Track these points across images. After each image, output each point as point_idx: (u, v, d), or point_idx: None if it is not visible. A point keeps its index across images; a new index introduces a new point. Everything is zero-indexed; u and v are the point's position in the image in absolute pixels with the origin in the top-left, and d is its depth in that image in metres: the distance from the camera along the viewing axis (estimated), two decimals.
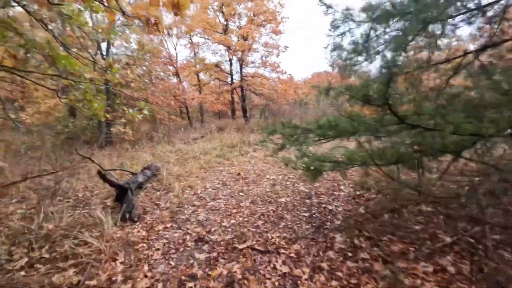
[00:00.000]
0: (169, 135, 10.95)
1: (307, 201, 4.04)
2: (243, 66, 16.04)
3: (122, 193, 3.69)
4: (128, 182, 4.02)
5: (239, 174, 5.83)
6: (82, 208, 3.78)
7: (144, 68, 12.01)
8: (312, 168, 3.18)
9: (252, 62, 15.77)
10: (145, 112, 4.27)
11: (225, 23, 15.78)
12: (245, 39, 14.73)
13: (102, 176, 3.55)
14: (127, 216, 3.39)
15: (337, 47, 3.56)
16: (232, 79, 16.79)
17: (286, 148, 3.92)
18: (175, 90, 16.15)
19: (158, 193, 4.53)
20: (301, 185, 4.87)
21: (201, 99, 15.89)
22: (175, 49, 22.46)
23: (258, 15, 14.50)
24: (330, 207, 3.79)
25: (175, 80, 17.88)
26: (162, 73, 15.16)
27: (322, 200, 4.04)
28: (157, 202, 4.13)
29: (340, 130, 3.26)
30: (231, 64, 16.29)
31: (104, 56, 8.87)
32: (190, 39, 17.92)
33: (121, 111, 4.90)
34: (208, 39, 16.05)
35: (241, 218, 3.49)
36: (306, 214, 3.56)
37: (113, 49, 12.36)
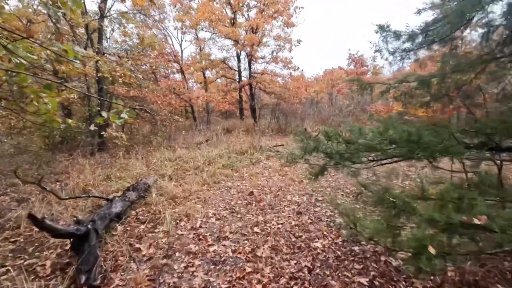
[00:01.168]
0: (169, 138, 9.75)
1: (356, 248, 2.73)
2: (252, 62, 14.73)
3: (79, 241, 2.45)
4: (94, 218, 2.77)
5: (251, 193, 4.56)
6: (25, 258, 2.58)
7: (144, 64, 10.86)
8: None
9: (262, 58, 14.46)
10: (124, 116, 3.02)
11: (233, 16, 14.51)
12: (255, 31, 13.42)
13: (37, 222, 2.26)
14: (82, 280, 2.15)
15: None
16: (240, 76, 15.52)
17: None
18: (179, 88, 15.04)
19: (142, 227, 3.29)
20: (337, 216, 3.57)
21: (207, 97, 14.65)
22: (180, 45, 21.19)
23: (268, 6, 13.16)
24: (395, 262, 2.48)
25: (179, 77, 16.78)
26: (163, 70, 14.00)
27: (378, 248, 2.72)
28: (137, 245, 2.89)
29: (424, 146, 1.95)
30: (239, 60, 15.02)
31: (96, 49, 7.71)
32: (196, 34, 16.73)
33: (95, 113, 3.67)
34: (214, 33, 14.81)
35: (260, 286, 2.21)
36: (363, 280, 2.25)
37: (109, 44, 11.27)
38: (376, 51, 3.79)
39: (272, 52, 14.13)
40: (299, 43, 13.92)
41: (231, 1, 13.71)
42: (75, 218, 2.76)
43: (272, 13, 13.09)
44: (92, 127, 2.94)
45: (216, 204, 4.10)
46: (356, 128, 2.33)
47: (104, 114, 3.00)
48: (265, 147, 8.23)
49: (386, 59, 3.70)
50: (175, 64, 16.13)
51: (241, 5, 13.82)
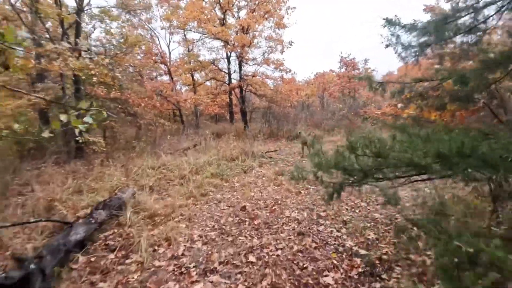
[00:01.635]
0: (154, 144, 9.07)
1: (378, 286, 2.19)
2: (242, 64, 14.22)
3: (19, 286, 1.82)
4: (42, 253, 2.14)
5: (244, 208, 3.99)
6: None
7: (130, 65, 10.19)
8: None
9: (253, 59, 13.98)
10: (88, 120, 2.41)
11: (222, 16, 14.00)
12: (246, 32, 12.94)
13: None
14: None
15: None
16: (230, 78, 14.97)
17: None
18: (166, 91, 14.40)
19: (110, 256, 2.67)
20: (346, 237, 3.04)
21: (196, 100, 14.01)
22: (168, 46, 20.40)
23: (259, 5, 12.71)
24: None
25: (167, 79, 16.10)
26: (149, 71, 13.35)
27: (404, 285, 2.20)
28: (100, 284, 2.27)
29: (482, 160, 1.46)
30: (229, 61, 14.48)
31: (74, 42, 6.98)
32: (184, 35, 16.13)
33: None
34: (203, 34, 14.25)
35: None
36: None
37: (92, 43, 10.54)
38: (387, 45, 3.33)
39: (264, 53, 13.68)
40: (291, 44, 13.54)
41: (221, 0, 13.20)
42: (20, 253, 2.12)
43: (263, 14, 12.65)
44: (45, 134, 2.34)
45: (203, 223, 3.51)
46: (382, 138, 1.81)
47: (63, 117, 2.40)
48: (257, 153, 7.68)
49: (399, 55, 3.25)
50: (162, 66, 15.48)
51: (231, 4, 13.33)
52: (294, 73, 14.03)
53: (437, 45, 2.81)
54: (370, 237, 2.93)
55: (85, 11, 7.96)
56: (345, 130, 12.23)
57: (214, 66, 14.62)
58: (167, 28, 15.89)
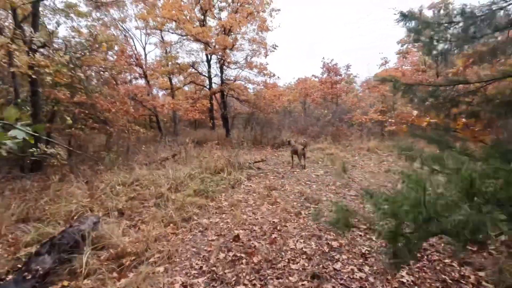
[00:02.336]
0: (127, 154, 8.08)
1: None
2: (224, 67, 13.51)
3: None
4: None
5: (237, 237, 3.25)
6: None
7: (101, 66, 9.12)
8: None
9: (235, 63, 13.30)
10: (17, 134, 1.58)
11: (202, 17, 13.26)
12: (228, 33, 12.27)
13: None
14: None
15: None
16: (210, 82, 14.17)
17: None
18: (141, 95, 13.37)
19: None
20: (373, 279, 2.39)
21: (174, 105, 13.05)
22: (144, 48, 19.16)
23: (243, 5, 12.10)
24: None
25: (143, 83, 15.02)
26: (123, 75, 12.27)
27: None
28: None
29: None
30: (209, 65, 13.70)
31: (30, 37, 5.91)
32: (161, 37, 15.16)
33: None
34: (182, 36, 13.41)
35: None
36: None
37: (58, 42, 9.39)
38: (415, 40, 2.78)
39: (246, 57, 13.06)
40: (275, 48, 13.02)
41: (201, 1, 12.46)
42: None
43: (246, 15, 12.05)
44: None
45: (187, 263, 2.73)
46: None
47: None
48: (244, 163, 6.96)
49: (429, 51, 2.71)
50: (137, 69, 14.40)
51: (211, 5, 12.63)
52: (278, 77, 13.47)
53: (482, 37, 2.28)
54: (405, 281, 2.31)
55: (44, 1, 6.92)
56: (332, 136, 11.83)
57: (193, 69, 13.79)
58: (142, 29, 14.89)
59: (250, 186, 5.44)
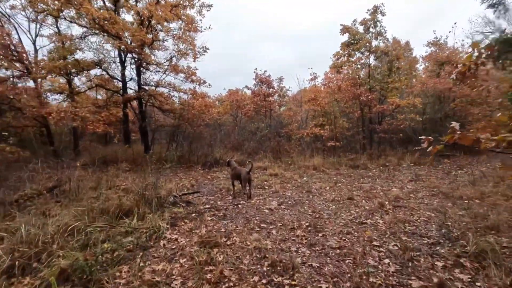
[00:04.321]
0: None
1: None
2: (142, 69, 10.99)
3: None
4: None
5: None
6: None
7: None
8: None
9: (157, 65, 10.94)
10: None
11: (114, 7, 10.56)
12: (147, 25, 9.92)
13: None
14: None
15: None
16: (125, 87, 11.37)
17: None
18: (21, 99, 9.84)
19: None
20: None
21: (72, 114, 9.77)
22: (33, 43, 14.62)
23: None
24: None
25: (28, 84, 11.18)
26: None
27: None
28: None
29: None
30: (123, 65, 10.93)
31: None
32: (57, 27, 11.71)
33: None
34: (87, 28, 10.36)
35: None
36: None
37: None
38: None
39: (171, 58, 10.86)
40: (206, 51, 11.25)
41: None
42: None
43: (170, 8, 9.94)
44: None
45: None
46: None
47: None
48: (166, 197, 4.82)
49: None
50: (18, 65, 10.61)
51: None
52: (209, 85, 11.65)
53: None
54: None
55: None
56: (273, 153, 10.54)
57: (100, 69, 10.78)
58: (31, 19, 11.28)
59: (176, 241, 3.38)
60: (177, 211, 4.34)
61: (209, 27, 11.54)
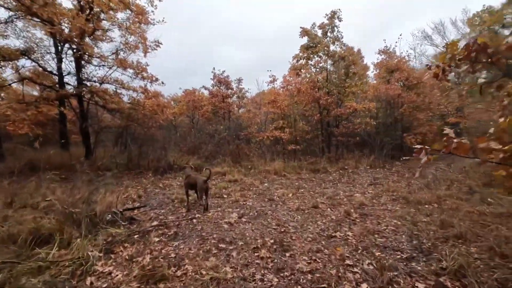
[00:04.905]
0: None
1: None
2: (82, 62, 9.62)
3: None
4: None
5: None
6: None
7: None
8: None
9: (101, 57, 9.66)
10: None
11: None
12: (88, 12, 8.66)
13: None
14: None
15: None
16: (62, 82, 9.85)
17: None
18: None
19: None
20: None
21: None
22: None
23: None
24: None
25: None
26: None
27: None
28: None
29: None
30: (59, 57, 9.45)
31: None
32: None
33: None
34: (15, 11, 8.68)
35: None
36: None
37: None
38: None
39: (117, 50, 9.67)
40: (158, 45, 10.28)
41: None
42: None
43: None
44: None
45: None
46: None
47: None
48: (102, 213, 3.96)
49: None
50: None
51: None
52: (162, 83, 10.69)
53: None
54: None
55: None
56: (232, 157, 9.96)
57: (29, 59, 9.14)
58: None
59: (109, 276, 2.63)
60: (116, 233, 3.53)
61: (163, 20, 10.58)
